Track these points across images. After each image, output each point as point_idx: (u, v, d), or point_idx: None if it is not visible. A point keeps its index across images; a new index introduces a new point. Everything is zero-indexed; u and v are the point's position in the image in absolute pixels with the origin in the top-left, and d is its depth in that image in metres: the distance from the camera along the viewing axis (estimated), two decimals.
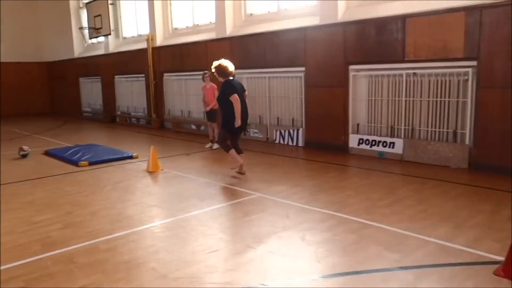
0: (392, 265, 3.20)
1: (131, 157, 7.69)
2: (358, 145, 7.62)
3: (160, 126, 12.57)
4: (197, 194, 5.32)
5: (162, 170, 6.71)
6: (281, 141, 9.04)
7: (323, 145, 8.18)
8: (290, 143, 8.85)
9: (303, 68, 8.49)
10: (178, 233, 4.04)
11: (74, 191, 5.63)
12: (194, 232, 4.05)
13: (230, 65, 6.09)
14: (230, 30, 10.09)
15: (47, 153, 8.34)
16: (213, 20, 10.65)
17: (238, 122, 5.86)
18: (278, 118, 9.26)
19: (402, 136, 7.09)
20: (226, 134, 6.17)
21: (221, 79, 6.13)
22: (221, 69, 6.06)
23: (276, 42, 8.92)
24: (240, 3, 10.04)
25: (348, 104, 7.76)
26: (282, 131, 9.01)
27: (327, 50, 7.93)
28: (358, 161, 7.10)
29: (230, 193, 5.39)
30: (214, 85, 8.70)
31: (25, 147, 8.19)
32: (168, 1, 12.24)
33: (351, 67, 7.63)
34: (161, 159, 7.10)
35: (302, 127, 8.69)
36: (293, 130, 8.78)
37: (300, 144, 8.65)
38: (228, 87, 5.96)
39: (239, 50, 9.81)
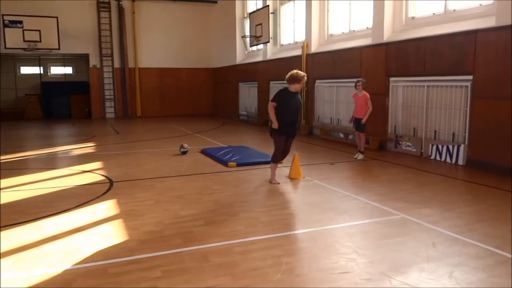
0: None
1: None
2: None
3: (308, 132, 12.61)
4: (335, 207, 5.08)
5: (304, 177, 6.63)
6: (437, 157, 8.12)
7: (489, 166, 7.07)
8: (448, 160, 7.89)
9: (470, 77, 7.48)
10: (310, 247, 3.88)
11: (220, 191, 5.94)
12: (326, 248, 3.84)
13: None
14: (388, 35, 9.52)
15: (203, 152, 9.06)
16: (370, 25, 10.21)
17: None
18: (435, 131, 8.35)
19: None
20: None
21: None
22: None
23: (439, 47, 8.07)
24: (402, 6, 9.39)
25: None
26: (440, 146, 8.09)
27: (503, 56, 6.83)
28: None
29: (371, 210, 5.00)
30: (367, 94, 8.26)
31: (185, 145, 9.04)
32: (326, 8, 12.21)
33: None
34: (304, 166, 7.05)
35: (464, 143, 7.66)
36: (453, 146, 7.81)
37: (460, 162, 7.63)
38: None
39: (395, 57, 9.18)
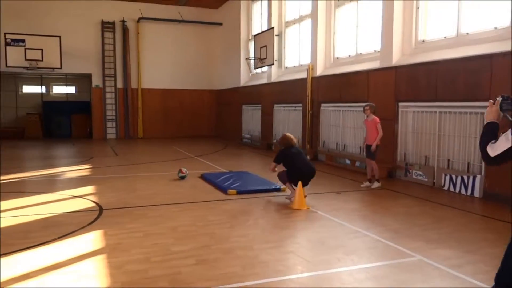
0: None
1: (278, 190, 7.34)
2: None
3: (313, 157, 12.12)
4: (343, 245, 4.56)
5: (308, 208, 6.13)
6: (451, 188, 7.60)
7: (508, 199, 6.54)
8: (462, 191, 7.36)
9: (486, 103, 7.02)
10: None
11: (216, 222, 5.45)
12: None
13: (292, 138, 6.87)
14: (397, 58, 9.15)
15: (203, 177, 8.59)
16: (378, 48, 9.87)
17: None
18: (449, 160, 7.86)
19: None
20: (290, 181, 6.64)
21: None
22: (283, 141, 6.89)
23: (452, 72, 7.67)
24: (411, 29, 9.04)
25: None
26: (454, 177, 7.58)
27: None
28: None
29: (383, 250, 4.48)
30: (377, 119, 7.82)
31: (184, 169, 8.58)
32: (332, 31, 11.91)
33: None
34: (308, 195, 6.57)
35: (481, 174, 7.16)
36: (468, 177, 7.30)
37: (477, 194, 7.11)
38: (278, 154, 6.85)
39: (405, 81, 8.78)
